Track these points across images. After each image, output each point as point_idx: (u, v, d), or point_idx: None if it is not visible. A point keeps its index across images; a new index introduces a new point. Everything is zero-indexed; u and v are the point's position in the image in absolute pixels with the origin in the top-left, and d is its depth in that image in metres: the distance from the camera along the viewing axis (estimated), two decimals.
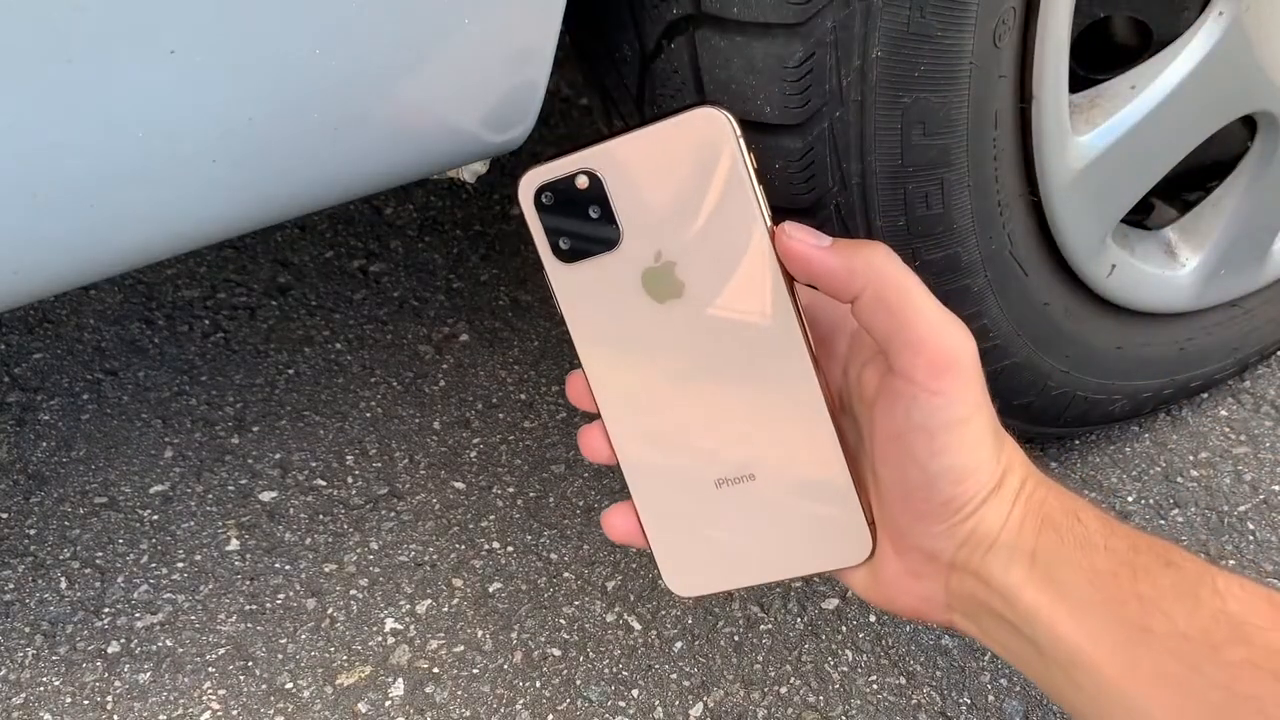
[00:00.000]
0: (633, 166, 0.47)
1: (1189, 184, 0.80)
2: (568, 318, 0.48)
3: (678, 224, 0.47)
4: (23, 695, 0.68)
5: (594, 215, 0.47)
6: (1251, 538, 0.79)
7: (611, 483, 0.83)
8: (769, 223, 0.47)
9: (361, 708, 0.68)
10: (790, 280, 0.46)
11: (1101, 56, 0.69)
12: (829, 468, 0.48)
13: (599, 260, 0.47)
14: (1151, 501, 0.82)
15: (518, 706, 0.69)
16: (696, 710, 0.68)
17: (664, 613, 0.74)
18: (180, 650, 0.71)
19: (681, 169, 0.47)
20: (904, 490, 0.44)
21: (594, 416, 0.50)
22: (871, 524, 0.47)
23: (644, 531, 0.50)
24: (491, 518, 0.81)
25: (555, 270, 0.48)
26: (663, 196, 0.47)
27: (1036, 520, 0.43)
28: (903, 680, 0.70)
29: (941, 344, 0.42)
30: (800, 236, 0.45)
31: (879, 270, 0.44)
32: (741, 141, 0.46)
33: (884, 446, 0.44)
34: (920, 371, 0.42)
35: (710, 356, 0.48)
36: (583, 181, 0.47)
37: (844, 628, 0.73)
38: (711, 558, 0.50)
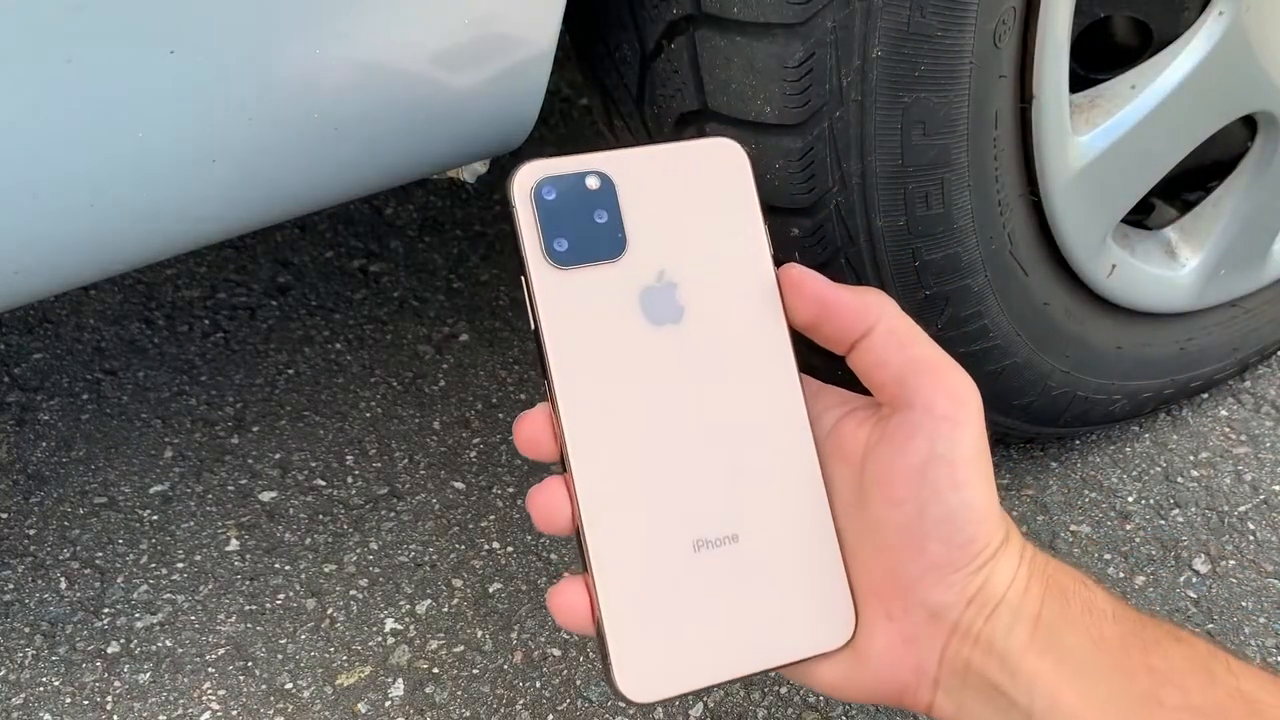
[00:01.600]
0: (646, 179, 0.45)
1: (1189, 184, 0.80)
2: (546, 331, 0.42)
3: (686, 246, 0.45)
4: (22, 695, 0.68)
5: (599, 220, 0.44)
6: (1252, 538, 0.79)
7: None
8: (774, 264, 0.46)
9: (361, 708, 0.68)
10: (790, 331, 0.45)
11: (1101, 56, 0.69)
12: (817, 534, 0.44)
13: (595, 270, 0.43)
14: (1151, 501, 0.82)
15: (518, 706, 0.68)
16: (696, 710, 0.68)
17: None
18: (180, 650, 0.71)
19: (695, 192, 0.45)
20: (919, 533, 0.42)
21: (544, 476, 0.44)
22: (854, 602, 0.44)
23: (597, 613, 0.42)
24: (491, 518, 0.81)
25: (542, 275, 0.43)
26: (673, 215, 0.45)
27: (1042, 583, 0.42)
28: None
29: (958, 378, 0.43)
30: (812, 273, 0.45)
31: (889, 309, 0.44)
32: (751, 171, 0.46)
33: (896, 488, 0.42)
34: (942, 403, 0.42)
35: (702, 393, 0.44)
36: (593, 183, 0.44)
37: None
38: (676, 648, 0.42)
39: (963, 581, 0.42)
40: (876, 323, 0.44)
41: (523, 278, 0.43)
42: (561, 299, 0.43)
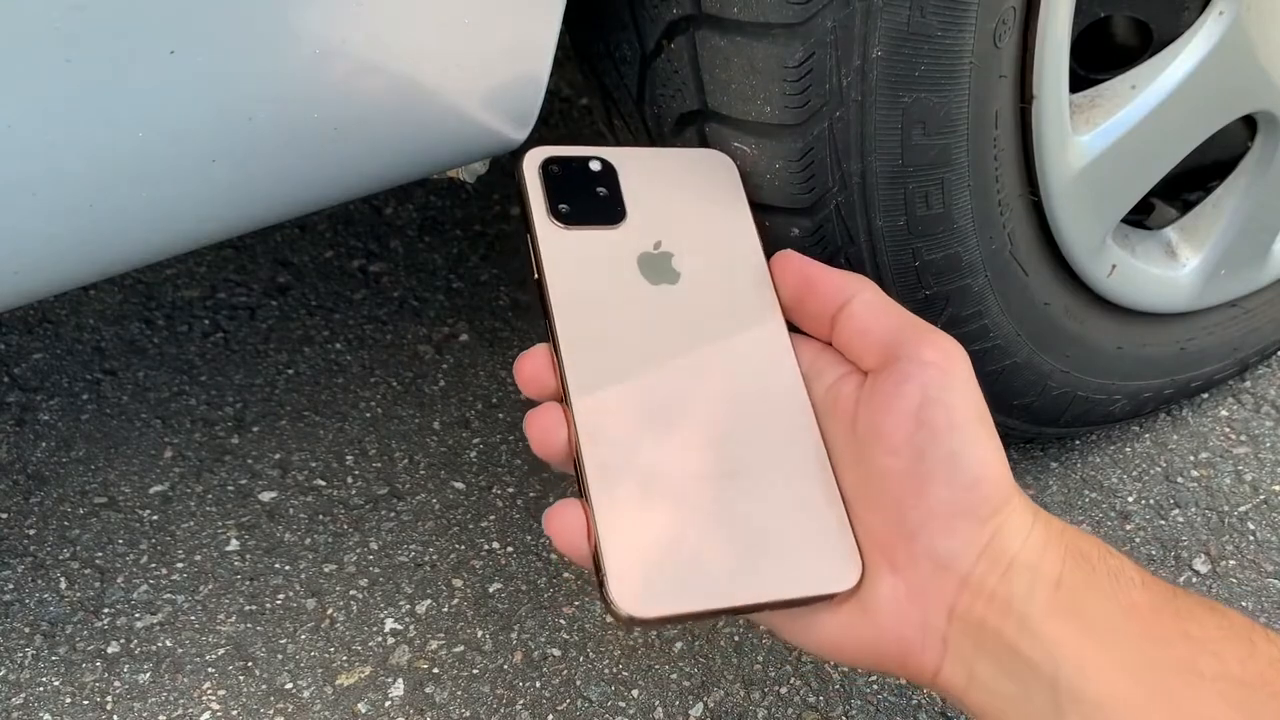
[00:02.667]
0: (644, 170, 0.50)
1: (1189, 184, 0.80)
2: (549, 280, 0.45)
3: (683, 225, 0.49)
4: (22, 695, 0.68)
5: (601, 194, 0.48)
6: (1252, 538, 0.79)
7: None
8: (763, 251, 0.50)
9: (361, 708, 0.68)
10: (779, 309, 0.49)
11: (1101, 56, 0.69)
12: (815, 476, 0.45)
13: (597, 233, 0.47)
14: (1151, 501, 0.82)
15: (518, 706, 0.68)
16: (696, 710, 0.68)
17: None
18: (180, 650, 0.71)
19: (690, 186, 0.50)
20: (920, 478, 0.41)
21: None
22: (859, 547, 0.44)
23: (593, 533, 0.41)
24: (491, 518, 0.81)
25: (547, 231, 0.46)
26: (669, 200, 0.50)
27: (1060, 547, 0.40)
28: (903, 680, 0.70)
29: (942, 336, 0.45)
30: (798, 254, 0.50)
31: (867, 284, 0.47)
32: (741, 181, 0.51)
33: (893, 436, 0.42)
34: (930, 352, 0.43)
35: (697, 346, 0.46)
36: (595, 165, 0.49)
37: None
38: (672, 568, 0.41)
39: (970, 529, 0.40)
40: (855, 295, 0.46)
41: (528, 236, 0.46)
42: (563, 252, 0.46)
